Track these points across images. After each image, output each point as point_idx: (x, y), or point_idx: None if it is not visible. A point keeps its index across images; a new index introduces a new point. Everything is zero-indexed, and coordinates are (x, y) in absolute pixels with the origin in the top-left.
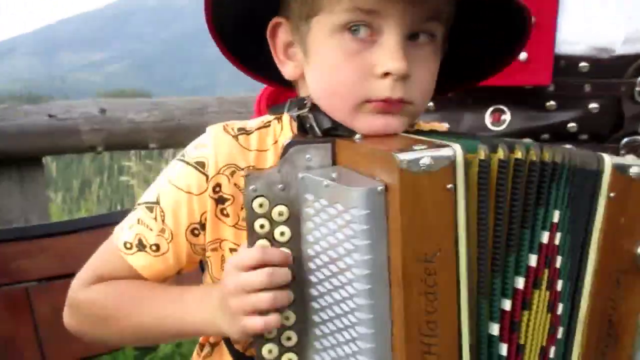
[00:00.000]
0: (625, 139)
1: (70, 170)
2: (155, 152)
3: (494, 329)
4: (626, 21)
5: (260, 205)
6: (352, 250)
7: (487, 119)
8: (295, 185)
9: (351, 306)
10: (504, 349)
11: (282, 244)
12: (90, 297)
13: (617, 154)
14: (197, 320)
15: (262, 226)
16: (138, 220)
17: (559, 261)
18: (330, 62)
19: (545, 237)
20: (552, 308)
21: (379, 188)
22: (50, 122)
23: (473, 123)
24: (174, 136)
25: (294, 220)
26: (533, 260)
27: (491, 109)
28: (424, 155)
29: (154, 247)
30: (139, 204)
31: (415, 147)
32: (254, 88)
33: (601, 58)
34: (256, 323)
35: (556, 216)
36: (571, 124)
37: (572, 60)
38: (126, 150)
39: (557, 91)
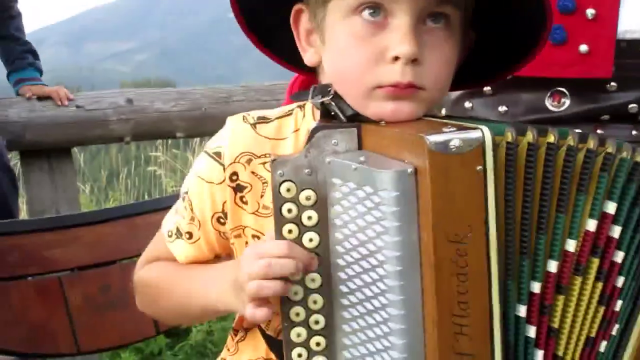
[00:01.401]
0: None
1: (98, 160)
2: (181, 142)
3: (521, 311)
4: None
5: (288, 190)
6: (382, 232)
7: (547, 100)
8: (322, 169)
9: (382, 288)
10: (531, 331)
11: (309, 228)
12: (142, 276)
13: None
14: (212, 296)
15: (289, 210)
16: (176, 210)
17: (619, 256)
18: (341, 47)
19: (591, 225)
20: (607, 302)
21: (409, 170)
22: (78, 113)
23: (532, 104)
24: (200, 125)
25: (321, 205)
26: (571, 245)
27: (551, 90)
28: (454, 137)
29: (187, 235)
30: (182, 189)
31: (445, 130)
32: (278, 76)
33: None
34: (263, 314)
35: (610, 207)
36: (632, 105)
37: (633, 42)
38: (153, 139)
39: (617, 72)
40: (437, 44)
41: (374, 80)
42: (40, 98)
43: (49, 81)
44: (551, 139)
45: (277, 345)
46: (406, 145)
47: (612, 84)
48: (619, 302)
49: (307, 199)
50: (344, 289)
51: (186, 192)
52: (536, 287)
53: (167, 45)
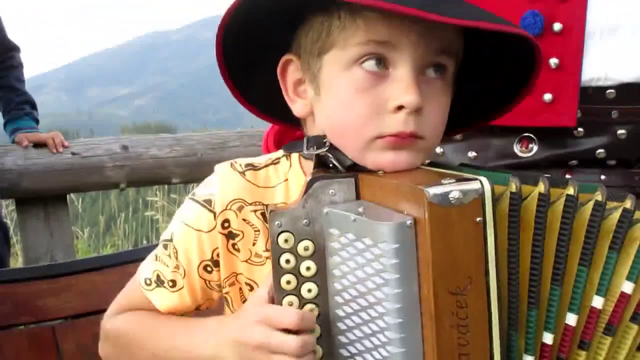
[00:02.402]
0: None
1: (97, 206)
2: (179, 186)
3: None
4: None
5: (286, 241)
6: (382, 284)
7: (516, 146)
8: (320, 220)
9: (382, 340)
10: None
11: (308, 279)
12: (115, 326)
13: None
14: (203, 354)
15: (287, 261)
16: (156, 257)
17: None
18: (342, 99)
19: (628, 288)
20: None
21: (408, 222)
22: (73, 160)
23: (501, 150)
24: (196, 171)
25: (320, 255)
26: (598, 302)
27: (519, 136)
28: (453, 189)
29: (170, 283)
30: (161, 237)
31: (444, 181)
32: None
33: (630, 84)
34: None
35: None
36: (599, 150)
37: (598, 90)
38: (149, 185)
39: (584, 117)
40: (435, 94)
41: (374, 130)
42: (36, 145)
43: (49, 126)
44: (570, 191)
45: None
46: (405, 196)
47: (580, 129)
48: None
49: (306, 249)
50: (343, 339)
51: (170, 240)
52: (548, 338)
53: (168, 89)
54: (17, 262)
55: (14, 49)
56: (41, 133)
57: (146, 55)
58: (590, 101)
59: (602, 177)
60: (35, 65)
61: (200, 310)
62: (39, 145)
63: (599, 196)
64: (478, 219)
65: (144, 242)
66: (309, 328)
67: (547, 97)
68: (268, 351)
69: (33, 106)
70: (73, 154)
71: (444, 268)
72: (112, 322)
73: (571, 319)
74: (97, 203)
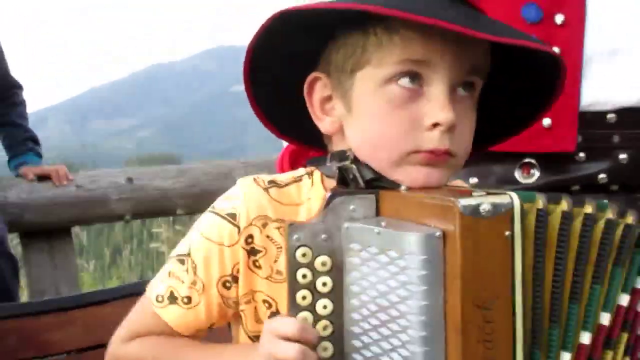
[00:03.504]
0: None
1: (102, 238)
2: (184, 218)
3: None
4: None
5: (303, 255)
6: (407, 296)
7: (517, 172)
8: (339, 235)
9: (404, 355)
10: None
11: (323, 295)
12: (129, 353)
13: None
14: None
15: (304, 276)
16: (169, 273)
17: None
18: (377, 114)
19: (624, 300)
20: None
21: (437, 233)
22: (78, 192)
23: (502, 176)
24: (201, 202)
25: (337, 271)
26: (605, 319)
27: (520, 162)
28: (484, 202)
29: (185, 300)
30: (170, 257)
31: (474, 194)
32: (279, 149)
33: (631, 108)
34: None
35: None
36: (601, 175)
37: (597, 114)
38: (154, 217)
39: (585, 143)
40: (466, 112)
41: (411, 145)
42: (40, 178)
43: (53, 159)
44: (589, 210)
45: None
46: (432, 210)
47: (581, 154)
48: None
49: (323, 264)
50: (358, 357)
51: (187, 254)
52: (567, 357)
53: (171, 120)
54: (22, 295)
55: (17, 86)
56: (45, 166)
57: (149, 87)
58: (590, 126)
59: (605, 201)
60: (37, 99)
61: (211, 329)
62: (43, 178)
63: (610, 214)
64: (507, 232)
65: (149, 273)
66: (309, 337)
67: (547, 122)
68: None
69: (36, 142)
70: (77, 186)
71: (472, 281)
72: (124, 349)
73: (585, 338)
74: (102, 235)
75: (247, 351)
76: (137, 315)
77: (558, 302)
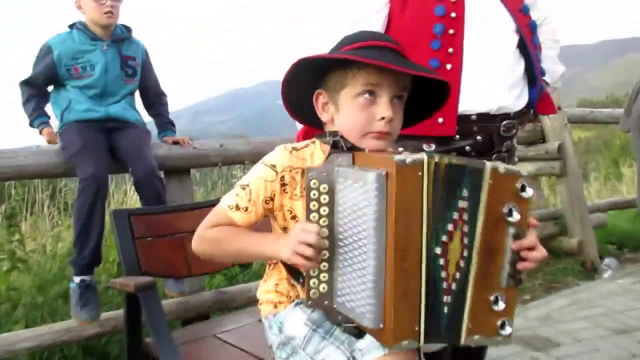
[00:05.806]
0: (495, 155)
1: (206, 177)
2: (250, 166)
3: (438, 250)
4: (498, 97)
5: (314, 183)
6: (367, 206)
7: (424, 145)
8: (333, 173)
9: (364, 242)
10: (441, 260)
11: (323, 204)
12: (212, 233)
13: None
14: (267, 249)
15: (314, 194)
16: (236, 194)
17: (466, 228)
18: (351, 113)
19: (456, 215)
20: (463, 245)
21: (383, 173)
22: (194, 152)
23: (415, 147)
24: (258, 158)
25: (331, 192)
26: (450, 226)
27: (425, 139)
28: (408, 157)
29: (244, 209)
30: (237, 184)
31: (403, 154)
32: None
33: (483, 113)
34: (298, 259)
35: (463, 203)
36: (467, 148)
37: (467, 115)
38: (234, 164)
39: (459, 130)
40: (398, 112)
41: (369, 129)
42: (174, 143)
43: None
44: (453, 161)
45: (291, 269)
46: (381, 162)
47: (457, 137)
48: (466, 240)
49: (324, 189)
50: (340, 244)
51: (247, 185)
52: (444, 237)
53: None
54: None
55: (164, 94)
56: (177, 137)
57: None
58: (462, 121)
59: None
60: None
61: (256, 223)
62: (176, 142)
63: (453, 160)
64: (419, 173)
65: None
66: (317, 230)
67: (440, 119)
68: (299, 241)
69: (173, 125)
70: (194, 148)
71: (401, 199)
72: (207, 232)
73: (445, 237)
74: (207, 175)
75: (279, 235)
76: (214, 215)
77: (440, 213)
